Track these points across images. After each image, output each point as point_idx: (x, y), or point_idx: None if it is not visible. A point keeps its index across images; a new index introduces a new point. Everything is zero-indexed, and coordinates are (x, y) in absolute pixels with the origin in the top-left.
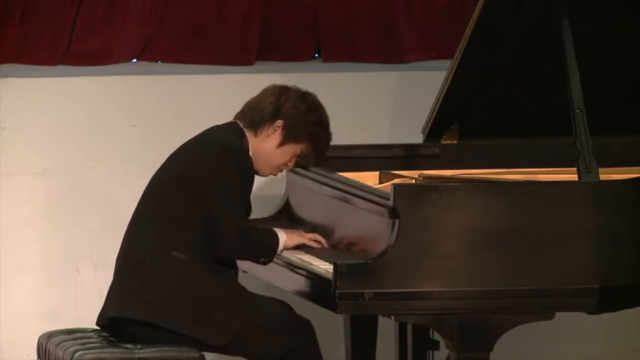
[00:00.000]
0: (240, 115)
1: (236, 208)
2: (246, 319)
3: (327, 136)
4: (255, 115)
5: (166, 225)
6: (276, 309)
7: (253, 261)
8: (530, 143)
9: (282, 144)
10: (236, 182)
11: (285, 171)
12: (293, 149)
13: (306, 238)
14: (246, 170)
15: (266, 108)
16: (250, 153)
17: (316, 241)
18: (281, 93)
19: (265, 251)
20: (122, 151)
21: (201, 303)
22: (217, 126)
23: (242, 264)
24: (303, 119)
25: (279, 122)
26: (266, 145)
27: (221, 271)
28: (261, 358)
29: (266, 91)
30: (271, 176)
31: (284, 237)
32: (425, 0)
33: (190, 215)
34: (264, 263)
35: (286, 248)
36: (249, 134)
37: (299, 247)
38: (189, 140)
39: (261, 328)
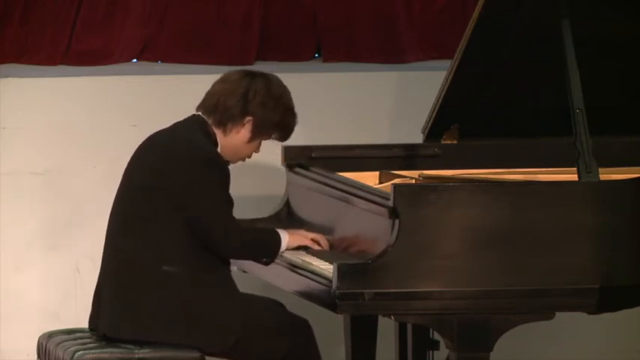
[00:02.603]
0: (204, 110)
1: (220, 205)
2: (245, 321)
3: (294, 118)
4: (224, 115)
5: (150, 237)
6: (274, 310)
7: (255, 260)
8: (530, 143)
9: (251, 139)
10: (211, 180)
11: (285, 171)
12: (262, 140)
13: (308, 238)
14: (218, 166)
15: (234, 107)
16: (219, 147)
17: (318, 242)
18: (248, 87)
19: (266, 250)
20: (122, 151)
21: (199, 313)
22: (179, 123)
23: (242, 264)
24: (273, 115)
25: (248, 119)
26: (235, 141)
27: (215, 272)
28: (262, 359)
29: (231, 82)
30: (271, 176)
31: (286, 237)
32: (425, 0)
33: (171, 222)
34: (266, 263)
35: (289, 249)
36: (217, 131)
37: (300, 248)
38: (154, 140)
39: (261, 330)
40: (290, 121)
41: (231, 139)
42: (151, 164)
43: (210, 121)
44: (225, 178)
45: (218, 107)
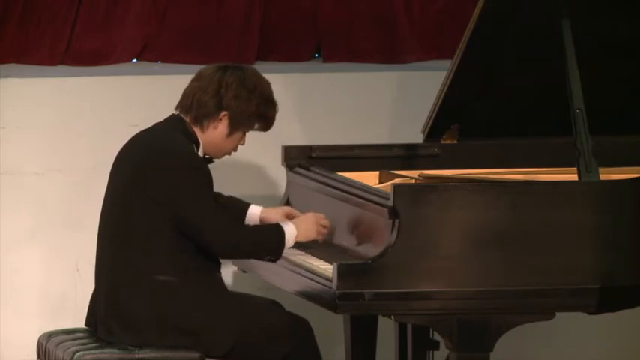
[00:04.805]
0: (181, 109)
1: (208, 207)
2: (244, 323)
3: (273, 108)
4: (199, 111)
5: (141, 245)
6: (274, 311)
7: (258, 259)
8: (530, 143)
9: (230, 133)
10: (193, 184)
11: (285, 171)
12: (242, 133)
13: (318, 232)
14: (199, 170)
15: (208, 102)
16: (200, 145)
17: (325, 227)
18: (220, 82)
19: (267, 247)
20: None
21: (196, 319)
22: (159, 124)
23: (241, 264)
24: (248, 106)
25: (224, 113)
26: (215, 136)
27: (208, 277)
28: None
29: (204, 78)
30: (271, 176)
31: (293, 232)
32: (425, 0)
33: (160, 229)
34: (272, 260)
35: (299, 241)
36: (196, 129)
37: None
38: (134, 144)
39: (261, 332)
40: (268, 111)
41: (210, 136)
42: (133, 170)
43: (188, 120)
44: (206, 179)
45: (193, 105)
